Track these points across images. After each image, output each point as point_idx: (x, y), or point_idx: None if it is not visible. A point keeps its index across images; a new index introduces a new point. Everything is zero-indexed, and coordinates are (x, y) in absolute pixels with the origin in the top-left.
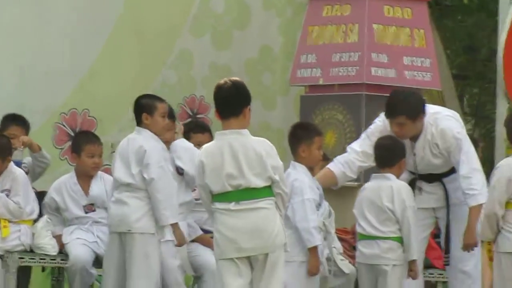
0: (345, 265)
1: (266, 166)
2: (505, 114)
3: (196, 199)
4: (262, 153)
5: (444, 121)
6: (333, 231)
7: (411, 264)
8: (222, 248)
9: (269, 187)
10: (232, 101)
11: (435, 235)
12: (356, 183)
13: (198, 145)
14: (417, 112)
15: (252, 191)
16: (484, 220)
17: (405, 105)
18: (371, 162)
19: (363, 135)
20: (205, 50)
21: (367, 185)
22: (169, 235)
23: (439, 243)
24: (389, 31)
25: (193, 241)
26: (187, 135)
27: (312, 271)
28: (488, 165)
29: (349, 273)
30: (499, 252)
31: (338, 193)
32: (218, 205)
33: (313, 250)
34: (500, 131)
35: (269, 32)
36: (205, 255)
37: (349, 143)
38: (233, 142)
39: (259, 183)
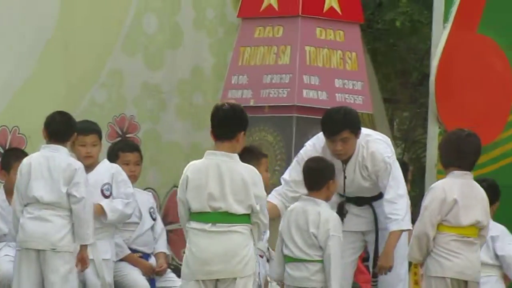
0: None
1: (250, 194)
2: (436, 139)
3: None
4: (248, 180)
5: (374, 144)
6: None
7: None
8: (192, 269)
9: (248, 215)
10: (228, 124)
11: (364, 258)
12: None
13: (127, 164)
14: (358, 127)
15: (230, 216)
16: (413, 241)
17: (348, 119)
18: (303, 190)
19: (293, 162)
20: (136, 70)
21: (295, 206)
22: (90, 254)
23: (368, 266)
24: (321, 54)
25: (121, 260)
26: (115, 154)
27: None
28: (416, 190)
29: None
30: (429, 276)
31: None
32: (194, 224)
33: None
34: (431, 155)
35: (200, 53)
36: (133, 274)
37: (279, 165)
38: (221, 164)
39: (239, 209)
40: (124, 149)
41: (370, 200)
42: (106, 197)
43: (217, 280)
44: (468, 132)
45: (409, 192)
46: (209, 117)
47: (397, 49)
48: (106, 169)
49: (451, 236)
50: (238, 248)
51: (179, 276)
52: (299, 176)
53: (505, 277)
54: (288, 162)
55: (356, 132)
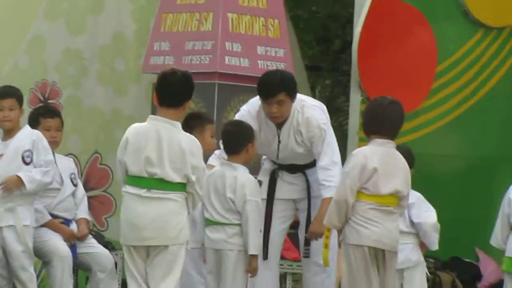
0: None
1: (187, 163)
2: (358, 107)
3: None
4: (186, 150)
5: (310, 110)
6: None
7: (251, 259)
8: (125, 234)
9: (184, 184)
10: (177, 92)
11: (292, 226)
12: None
13: (48, 130)
14: (294, 91)
15: (166, 183)
16: (333, 207)
17: (285, 82)
18: None
19: None
20: (58, 35)
21: (214, 171)
22: (11, 220)
23: (292, 234)
24: (244, 20)
25: (41, 226)
26: (36, 120)
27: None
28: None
29: None
30: (347, 244)
31: None
32: (130, 189)
33: None
34: (353, 123)
35: (122, 19)
36: (54, 240)
37: None
38: (161, 130)
39: (175, 177)
40: (45, 114)
41: (303, 168)
42: (27, 164)
43: (149, 246)
44: (391, 99)
45: None
46: (130, 83)
47: (319, 17)
48: (27, 136)
49: (369, 204)
50: (171, 216)
51: (100, 242)
52: None
53: (421, 245)
54: None
55: (292, 96)
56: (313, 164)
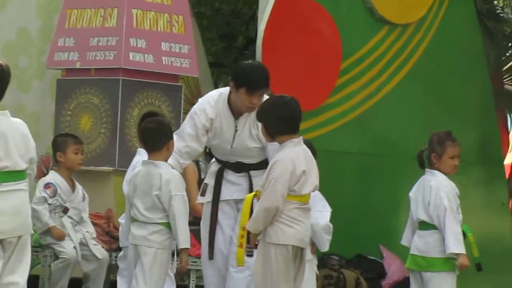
0: (98, 250)
1: (30, 147)
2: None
3: None
4: (26, 133)
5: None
6: (86, 215)
7: (181, 253)
8: None
9: (25, 169)
10: None
11: None
12: (110, 168)
13: None
14: None
15: (15, 173)
16: (260, 214)
17: (268, 77)
18: (195, 144)
19: (187, 117)
20: None
21: (139, 171)
22: None
23: (197, 231)
24: (148, 17)
25: None
26: None
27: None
28: None
29: (102, 258)
30: (269, 243)
31: (91, 177)
32: None
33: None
34: None
35: (27, 14)
36: None
37: (105, 127)
38: (0, 123)
39: (22, 165)
40: None
41: (248, 168)
42: None
43: (3, 240)
44: (289, 97)
45: None
46: (34, 79)
47: (222, 13)
48: None
49: (294, 204)
50: (24, 207)
51: None
52: (193, 130)
53: (312, 244)
54: (114, 124)
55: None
56: (258, 166)
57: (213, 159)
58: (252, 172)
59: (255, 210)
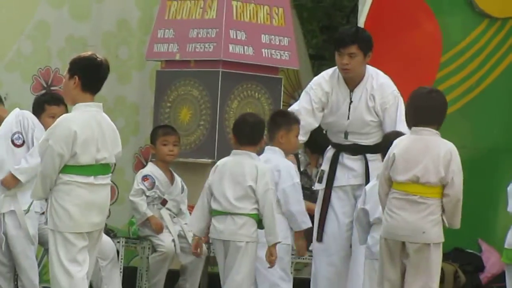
0: None
1: (118, 141)
2: None
3: None
4: (115, 128)
5: (384, 78)
6: (184, 207)
7: (272, 248)
8: (78, 222)
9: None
10: (103, 80)
11: None
12: (209, 160)
13: (52, 117)
14: (368, 47)
15: (107, 167)
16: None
17: (359, 36)
18: (311, 119)
19: (303, 93)
20: (62, 22)
21: (227, 160)
22: (12, 206)
23: None
24: (248, 9)
25: (43, 213)
26: (41, 107)
27: (301, 252)
28: None
29: None
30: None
31: (190, 169)
32: (77, 178)
33: (303, 232)
34: None
35: (126, 5)
36: None
37: (204, 119)
38: (97, 116)
39: (113, 159)
40: (50, 102)
41: (365, 150)
42: (19, 146)
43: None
44: (429, 89)
45: None
46: (134, 70)
47: (323, 5)
48: (13, 118)
49: (392, 193)
50: (109, 200)
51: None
52: (309, 105)
53: None
54: (213, 117)
55: (365, 51)
56: (375, 148)
57: (329, 146)
58: (368, 156)
59: None
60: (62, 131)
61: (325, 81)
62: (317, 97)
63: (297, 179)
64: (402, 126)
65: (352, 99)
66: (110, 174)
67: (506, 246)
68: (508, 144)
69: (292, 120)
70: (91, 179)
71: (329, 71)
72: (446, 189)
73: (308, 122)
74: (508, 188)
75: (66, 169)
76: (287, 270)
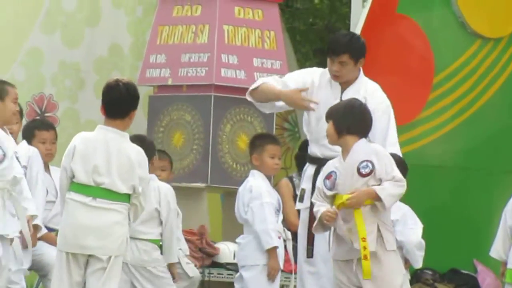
0: (190, 269)
1: (134, 175)
2: None
3: None
4: (135, 161)
5: (378, 86)
6: (179, 232)
7: (171, 267)
8: (65, 240)
9: (129, 195)
10: (121, 103)
11: None
12: (203, 184)
13: (43, 143)
14: (360, 54)
15: (112, 193)
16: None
17: (352, 45)
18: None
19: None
20: (55, 48)
21: None
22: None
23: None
24: (240, 32)
25: (38, 239)
26: (31, 133)
27: (272, 274)
28: None
29: (193, 276)
30: (391, 251)
31: (184, 193)
32: (75, 195)
33: (272, 252)
34: None
35: (119, 31)
36: (50, 253)
37: (197, 144)
38: (110, 141)
39: (122, 188)
40: (40, 127)
41: None
42: None
43: (89, 256)
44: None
45: None
46: None
47: (316, 28)
48: (23, 152)
49: None
50: (115, 227)
51: None
52: (297, 75)
53: (406, 261)
54: (206, 141)
55: (356, 59)
56: None
57: (307, 164)
58: None
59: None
60: (69, 145)
61: (315, 73)
62: (300, 77)
63: (267, 199)
64: (392, 135)
65: (343, 98)
66: (122, 202)
67: (509, 266)
68: (501, 165)
69: (266, 141)
70: (88, 200)
71: (323, 69)
72: None
73: (286, 84)
74: (506, 208)
75: (70, 186)
76: None
